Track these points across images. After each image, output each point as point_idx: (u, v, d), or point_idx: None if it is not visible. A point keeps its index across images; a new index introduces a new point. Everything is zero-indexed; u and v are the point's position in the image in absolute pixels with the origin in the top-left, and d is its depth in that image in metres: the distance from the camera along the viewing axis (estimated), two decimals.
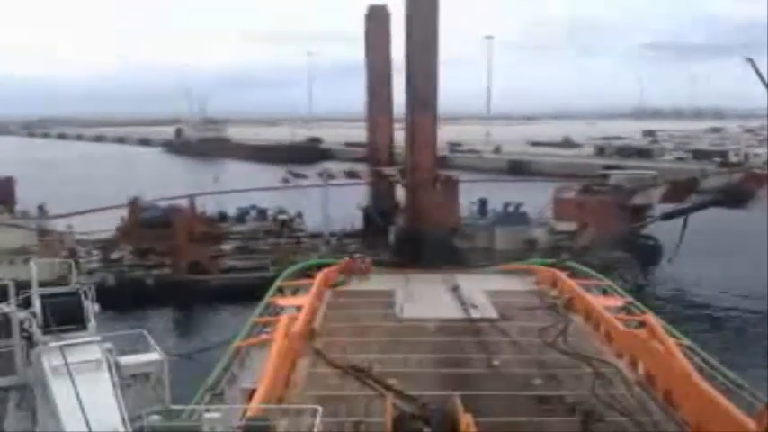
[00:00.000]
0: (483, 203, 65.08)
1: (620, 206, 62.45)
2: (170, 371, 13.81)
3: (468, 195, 65.76)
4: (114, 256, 58.74)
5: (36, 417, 12.71)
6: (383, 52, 68.35)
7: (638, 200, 62.80)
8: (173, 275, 54.07)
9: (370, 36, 68.98)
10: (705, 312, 51.77)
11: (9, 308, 12.74)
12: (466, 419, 16.55)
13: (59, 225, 62.16)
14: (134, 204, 64.11)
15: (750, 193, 58.41)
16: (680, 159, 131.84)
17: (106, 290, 50.95)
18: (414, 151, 58.32)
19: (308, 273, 36.69)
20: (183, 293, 51.69)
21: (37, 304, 12.68)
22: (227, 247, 62.77)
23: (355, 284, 36.69)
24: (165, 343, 44.07)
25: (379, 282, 37.57)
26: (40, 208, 62.19)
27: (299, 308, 28.09)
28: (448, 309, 31.47)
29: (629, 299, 30.99)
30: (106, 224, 63.16)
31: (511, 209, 62.87)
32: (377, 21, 68.47)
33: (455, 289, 34.67)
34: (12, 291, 12.83)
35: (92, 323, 12.88)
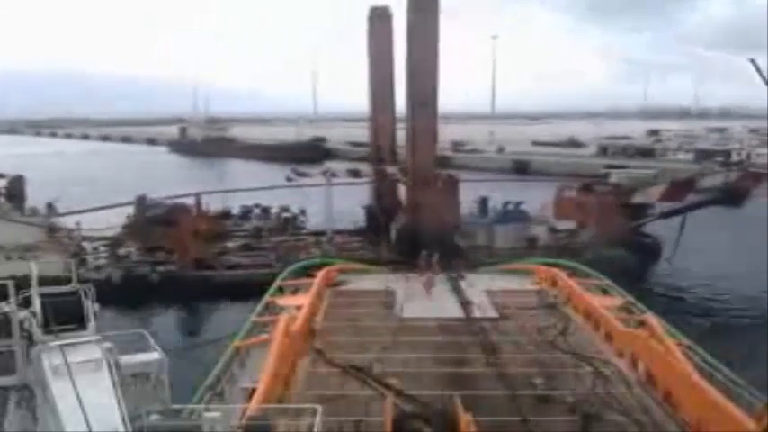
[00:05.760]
0: (484, 202, 65.77)
1: (619, 204, 63.12)
2: (169, 370, 13.84)
3: (472, 195, 66.57)
4: (121, 252, 59.81)
5: (36, 416, 12.61)
6: (385, 52, 69.20)
7: (637, 198, 63.43)
8: (178, 272, 54.98)
9: (372, 36, 69.91)
10: (703, 310, 52.31)
11: (9, 307, 12.58)
12: (466, 419, 16.62)
13: (68, 222, 63.28)
14: (140, 202, 65.25)
15: (746, 191, 58.96)
16: (685, 160, 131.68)
17: (112, 286, 52.30)
18: (414, 150, 59.27)
19: (308, 272, 36.74)
20: (189, 290, 52.38)
21: (37, 304, 12.52)
22: (231, 244, 63.73)
23: (355, 284, 36.80)
24: (169, 339, 45.60)
25: (379, 281, 37.62)
26: (50, 205, 63.36)
27: (299, 307, 28.10)
28: (448, 308, 31.59)
29: (629, 298, 31.02)
30: (111, 221, 64.29)
31: (511, 207, 63.63)
32: (379, 21, 69.37)
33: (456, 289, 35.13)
34: (12, 290, 12.71)
35: (92, 323, 12.72)
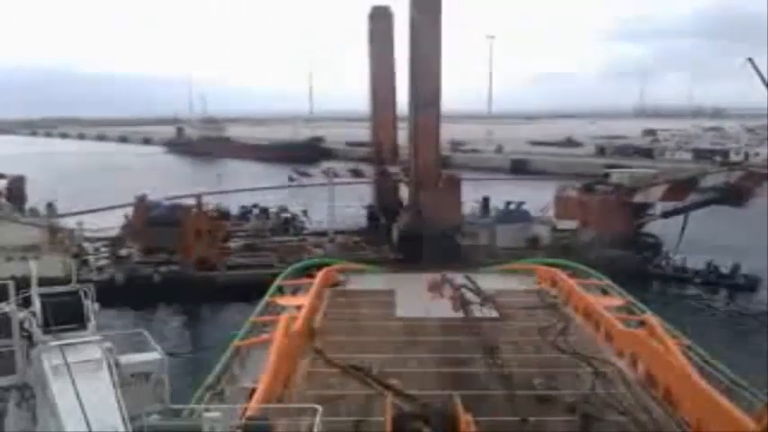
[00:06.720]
0: (485, 202, 65.86)
1: (621, 204, 63.21)
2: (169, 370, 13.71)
3: (472, 194, 66.66)
4: (123, 253, 59.57)
5: (36, 416, 12.55)
6: (386, 52, 69.17)
7: (638, 198, 63.52)
8: (180, 272, 54.85)
9: (373, 36, 69.86)
10: (704, 309, 52.45)
11: (9, 307, 12.48)
12: (466, 419, 16.61)
13: (68, 223, 63.01)
14: (140, 203, 64.99)
15: (748, 191, 59.06)
16: (684, 160, 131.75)
17: (116, 287, 52.15)
18: (417, 150, 59.29)
19: (308, 272, 36.61)
20: (191, 290, 52.24)
21: (37, 304, 12.45)
22: (233, 244, 63.55)
23: (355, 284, 36.70)
24: (172, 339, 45.43)
25: (379, 281, 37.63)
26: (50, 206, 62.96)
27: (299, 307, 28.07)
28: (448, 308, 31.41)
29: (630, 298, 31.00)
30: (113, 222, 64.17)
31: (512, 207, 63.69)
32: (380, 21, 69.36)
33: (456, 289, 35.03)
34: (11, 290, 12.62)
35: (92, 323, 12.64)
